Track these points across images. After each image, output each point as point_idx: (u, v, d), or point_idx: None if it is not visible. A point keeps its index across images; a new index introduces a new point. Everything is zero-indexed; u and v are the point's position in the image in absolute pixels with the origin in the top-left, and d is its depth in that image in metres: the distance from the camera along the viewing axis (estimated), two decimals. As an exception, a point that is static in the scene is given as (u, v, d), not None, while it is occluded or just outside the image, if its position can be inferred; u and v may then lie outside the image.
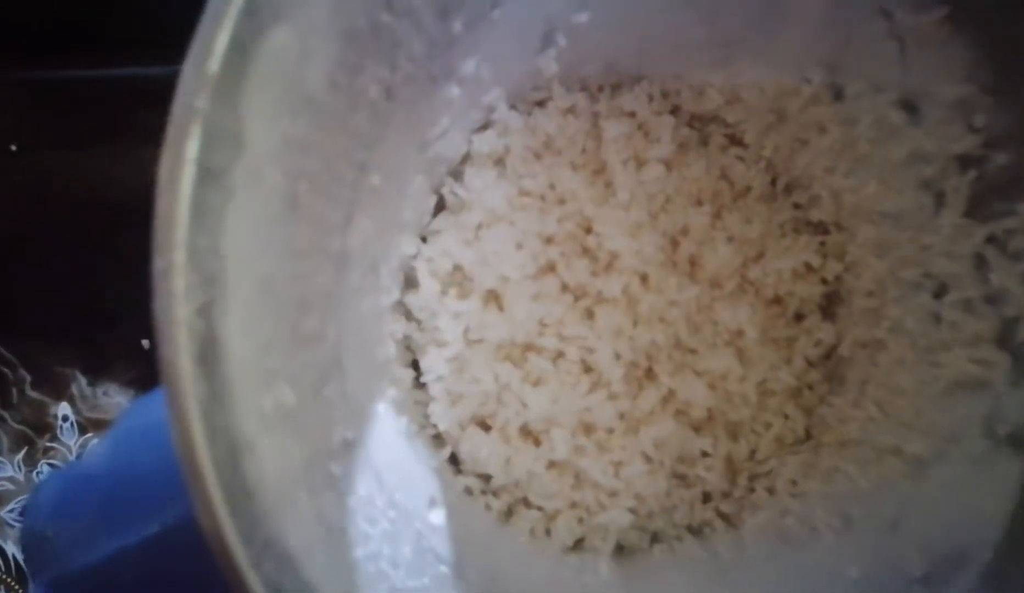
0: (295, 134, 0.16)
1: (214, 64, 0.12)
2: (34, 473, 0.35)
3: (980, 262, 0.22)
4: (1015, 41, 0.19)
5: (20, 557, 0.35)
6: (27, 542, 0.13)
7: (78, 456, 0.35)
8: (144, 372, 0.36)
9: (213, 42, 0.11)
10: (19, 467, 0.35)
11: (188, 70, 0.12)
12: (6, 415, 0.35)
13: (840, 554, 0.23)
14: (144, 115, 0.36)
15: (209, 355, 0.12)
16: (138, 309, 0.35)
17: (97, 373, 0.36)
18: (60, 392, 0.36)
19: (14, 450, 0.35)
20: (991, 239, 0.22)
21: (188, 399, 0.11)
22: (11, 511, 0.35)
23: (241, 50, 0.12)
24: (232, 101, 0.12)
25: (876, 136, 0.24)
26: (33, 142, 0.36)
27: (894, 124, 0.23)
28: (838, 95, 0.24)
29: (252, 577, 0.11)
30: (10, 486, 0.35)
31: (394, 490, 0.19)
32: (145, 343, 0.36)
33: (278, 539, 0.12)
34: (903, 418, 0.24)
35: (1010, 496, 0.19)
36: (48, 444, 0.35)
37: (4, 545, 0.35)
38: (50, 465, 0.35)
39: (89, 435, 0.36)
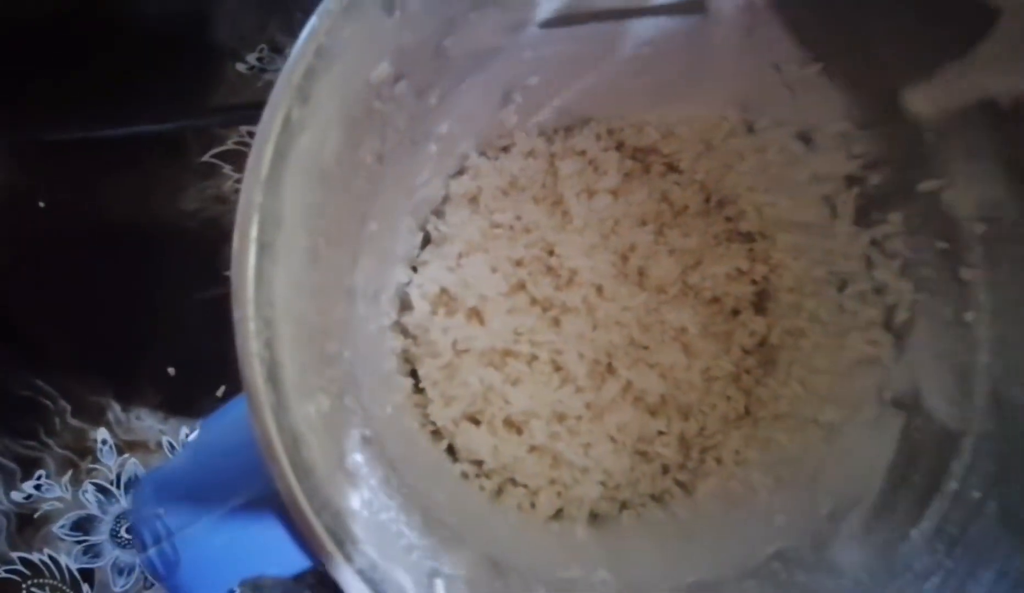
0: (314, 202, 0.20)
1: (264, 169, 0.16)
2: (79, 492, 0.39)
3: (868, 261, 0.27)
4: (875, 88, 0.24)
5: (74, 566, 0.39)
6: (140, 521, 0.18)
7: (117, 475, 0.39)
8: (170, 396, 0.39)
9: (263, 153, 0.16)
10: (66, 488, 0.38)
11: (248, 174, 0.16)
12: (51, 442, 0.39)
13: (771, 507, 0.27)
14: (154, 166, 0.40)
15: (273, 375, 0.16)
16: (158, 340, 0.39)
17: (129, 400, 0.39)
18: (97, 419, 0.39)
19: (60, 473, 0.39)
20: (873, 242, 0.26)
21: (263, 406, 0.15)
22: (62, 527, 0.39)
23: (281, 155, 0.17)
24: (276, 191, 0.17)
25: (783, 161, 0.28)
26: (59, 197, 0.40)
27: (795, 152, 0.28)
28: (750, 129, 0.29)
29: (316, 524, 0.15)
30: (59, 505, 0.38)
31: (404, 474, 0.23)
32: (171, 370, 0.40)
33: (331, 502, 0.16)
34: (820, 392, 0.28)
35: (892, 447, 0.24)
36: (90, 466, 0.39)
37: (58, 556, 0.39)
38: (94, 484, 0.39)
39: (126, 455, 0.39)
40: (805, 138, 0.27)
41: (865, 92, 0.24)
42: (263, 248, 0.17)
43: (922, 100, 0.22)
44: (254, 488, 0.17)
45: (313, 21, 0.16)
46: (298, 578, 0.37)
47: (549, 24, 0.24)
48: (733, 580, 0.24)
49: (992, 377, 0.22)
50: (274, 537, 0.17)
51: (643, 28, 0.25)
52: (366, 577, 0.16)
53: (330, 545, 0.16)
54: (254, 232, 0.16)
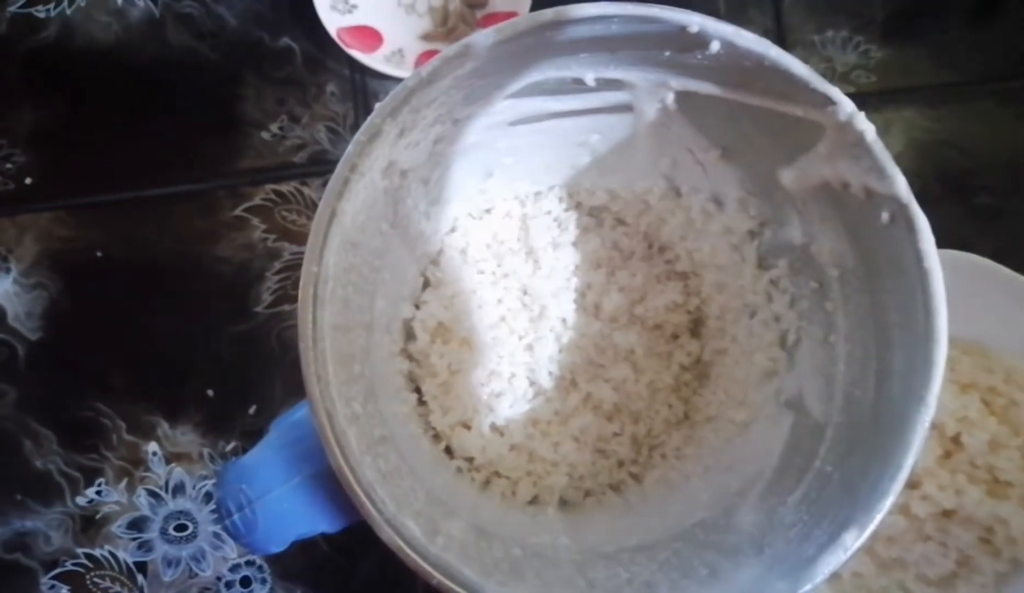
0: (344, 263, 0.27)
1: (318, 249, 0.24)
2: (134, 497, 0.44)
3: (768, 296, 0.34)
4: (759, 168, 0.31)
5: (129, 560, 0.45)
6: (226, 495, 0.25)
7: (166, 481, 0.45)
8: (209, 414, 0.45)
9: (317, 237, 0.24)
10: (122, 493, 0.44)
11: (308, 251, 0.24)
12: (109, 455, 0.44)
13: (699, 489, 0.33)
14: (193, 220, 0.47)
15: (324, 389, 0.24)
16: (198, 367, 0.46)
17: (175, 418, 0.45)
18: (148, 434, 0.44)
19: (118, 481, 0.44)
20: (771, 281, 0.33)
21: (321, 411, 0.23)
22: (119, 526, 0.44)
23: (328, 237, 0.24)
24: (324, 261, 0.24)
25: (703, 218, 0.35)
26: (112, 248, 0.46)
27: (710, 211, 0.35)
28: (677, 193, 0.36)
29: (359, 491, 0.23)
30: (117, 508, 0.44)
31: (411, 464, 0.31)
32: (210, 392, 0.45)
33: (365, 476, 0.24)
34: (737, 398, 0.35)
35: (784, 438, 0.31)
36: (143, 474, 0.44)
37: (116, 551, 0.45)
38: (146, 490, 0.45)
39: (173, 465, 0.44)
40: (717, 201, 0.34)
41: (753, 171, 0.31)
42: (317, 301, 0.24)
43: (789, 179, 0.29)
44: (313, 467, 0.25)
45: (349, 148, 0.24)
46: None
47: (516, 123, 0.32)
48: (665, 542, 0.31)
49: (845, 382, 0.29)
50: (327, 502, 0.24)
51: (588, 123, 0.33)
52: (391, 525, 0.23)
53: (367, 503, 0.23)
54: (311, 291, 0.24)
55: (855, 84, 0.51)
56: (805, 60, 0.25)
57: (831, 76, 0.50)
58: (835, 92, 0.25)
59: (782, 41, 0.51)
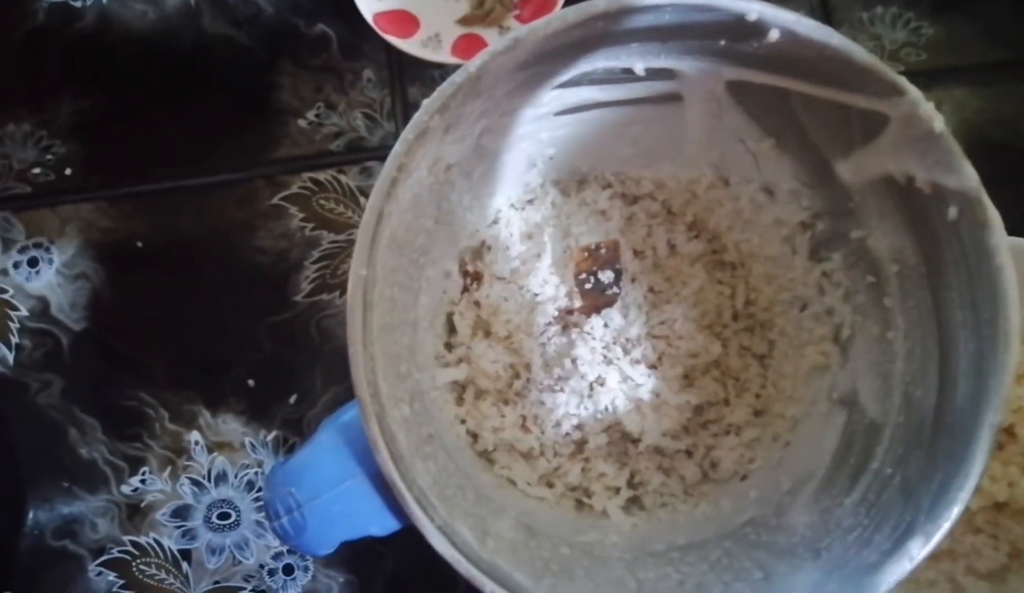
0: (391, 263, 0.27)
1: (366, 252, 0.23)
2: (177, 485, 0.45)
3: (820, 289, 0.33)
4: (813, 159, 0.30)
5: (174, 547, 0.46)
6: (274, 497, 0.25)
7: (208, 470, 0.46)
8: (250, 404, 0.45)
9: (366, 239, 0.23)
10: (166, 482, 0.45)
11: (356, 254, 0.23)
12: (153, 444, 0.45)
13: (748, 486, 0.33)
14: (231, 209, 0.47)
15: (375, 393, 0.23)
16: (239, 357, 0.46)
17: (217, 407, 0.45)
18: (191, 423, 0.45)
19: (161, 469, 0.45)
20: (824, 274, 0.32)
21: (371, 414, 0.23)
22: (163, 514, 0.45)
23: (376, 239, 0.24)
24: (372, 263, 0.24)
25: (752, 208, 0.34)
26: (152, 238, 0.46)
27: (761, 202, 0.34)
28: (725, 183, 0.35)
29: (408, 495, 0.22)
30: (161, 496, 0.45)
31: (459, 464, 0.30)
32: (250, 382, 0.45)
33: (415, 478, 0.23)
34: (787, 393, 0.34)
35: (836, 437, 0.30)
36: (186, 463, 0.45)
37: (161, 539, 0.46)
38: (189, 478, 0.45)
39: (215, 454, 0.45)
40: (768, 191, 0.33)
41: (807, 162, 0.30)
42: (366, 304, 0.24)
43: (847, 171, 0.28)
44: (362, 471, 0.24)
45: (397, 147, 0.23)
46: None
47: (561, 113, 0.31)
48: (715, 541, 0.31)
49: (903, 381, 0.28)
50: (376, 505, 0.24)
51: (635, 112, 0.32)
52: (442, 531, 0.23)
53: (418, 510, 0.23)
54: (360, 294, 0.23)
55: (904, 62, 0.49)
56: (853, 38, 0.24)
57: (879, 54, 0.48)
58: (903, 82, 0.24)
59: (828, 19, 0.50)
